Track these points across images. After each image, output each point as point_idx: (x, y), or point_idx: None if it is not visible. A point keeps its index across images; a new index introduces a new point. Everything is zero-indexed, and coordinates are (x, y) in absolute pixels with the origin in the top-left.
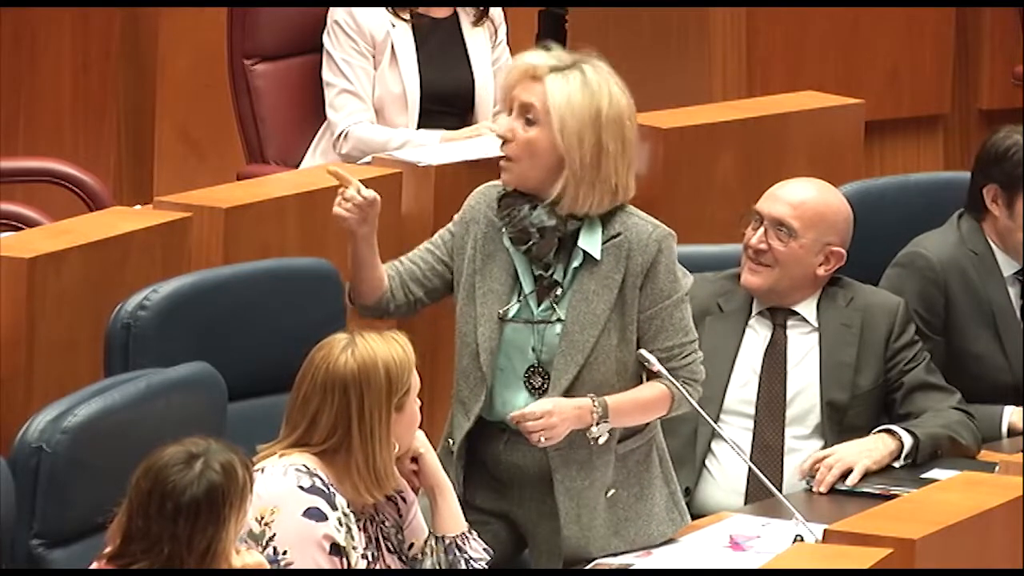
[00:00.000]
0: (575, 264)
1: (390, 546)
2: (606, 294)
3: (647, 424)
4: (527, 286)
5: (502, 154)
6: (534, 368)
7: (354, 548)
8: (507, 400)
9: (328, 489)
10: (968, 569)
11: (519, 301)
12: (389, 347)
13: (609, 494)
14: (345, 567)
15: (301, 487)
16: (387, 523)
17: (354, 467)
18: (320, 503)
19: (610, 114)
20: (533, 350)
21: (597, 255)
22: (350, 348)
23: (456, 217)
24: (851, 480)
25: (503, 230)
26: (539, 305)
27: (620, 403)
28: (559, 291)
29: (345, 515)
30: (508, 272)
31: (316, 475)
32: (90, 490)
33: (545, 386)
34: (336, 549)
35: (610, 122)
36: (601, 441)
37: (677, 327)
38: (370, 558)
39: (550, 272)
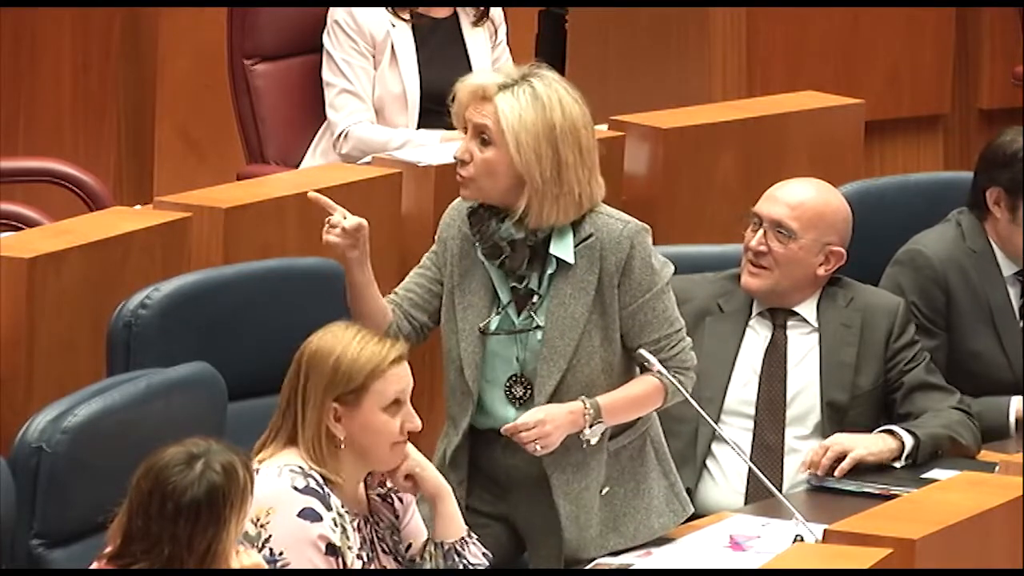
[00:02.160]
0: (549, 271)
1: (385, 547)
2: (583, 296)
3: (638, 419)
4: (504, 297)
5: (459, 174)
6: (515, 378)
7: (349, 548)
8: (497, 410)
9: (322, 489)
10: (968, 569)
11: (499, 313)
12: (356, 346)
13: (604, 491)
14: (341, 567)
15: (295, 487)
16: (382, 524)
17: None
18: (315, 503)
19: (564, 126)
20: (517, 360)
21: (571, 260)
22: (327, 332)
23: (436, 237)
24: (842, 468)
25: (476, 244)
26: (519, 315)
27: (612, 402)
28: (535, 299)
29: (340, 515)
30: (485, 286)
31: (310, 475)
32: (90, 490)
33: (526, 396)
34: (332, 549)
35: (565, 134)
36: (593, 442)
37: (661, 319)
38: (365, 559)
39: (524, 283)
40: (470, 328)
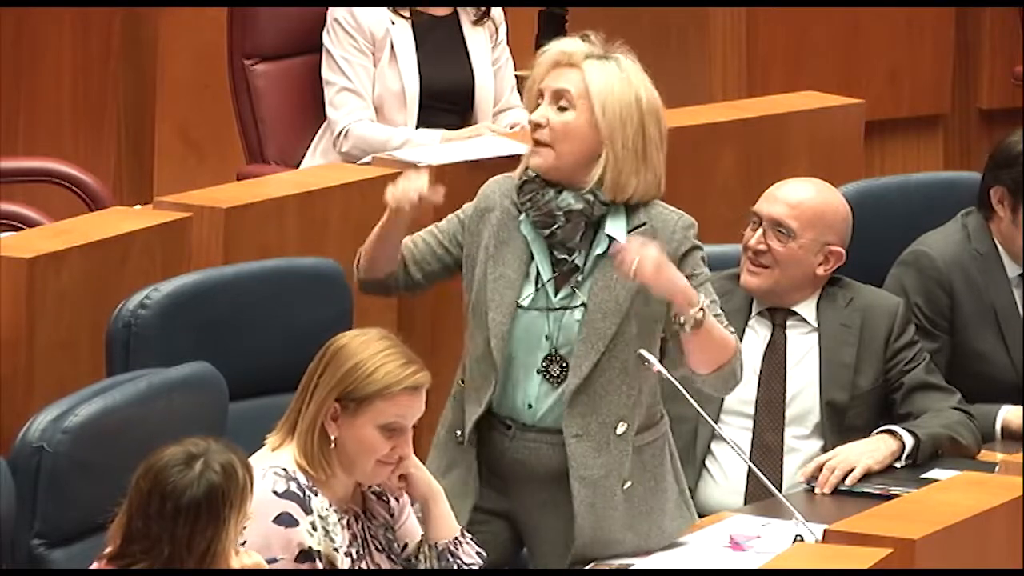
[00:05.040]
0: (598, 251)
1: (378, 544)
2: (628, 282)
3: (661, 417)
4: (545, 273)
5: (535, 139)
6: (551, 357)
7: (335, 549)
8: (519, 390)
9: (303, 493)
10: (968, 569)
11: (537, 289)
12: (378, 360)
13: (626, 486)
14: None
15: (275, 492)
16: (375, 520)
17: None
18: (292, 508)
19: (649, 103)
20: (547, 338)
21: (623, 241)
22: (363, 335)
23: (468, 205)
24: (852, 479)
25: (521, 217)
26: (557, 293)
27: (712, 323)
28: (579, 277)
29: (322, 517)
30: (521, 259)
31: (294, 479)
32: (90, 490)
33: (564, 375)
34: (305, 555)
35: (650, 110)
36: (688, 328)
37: (713, 300)
38: (354, 556)
39: (572, 257)
40: (500, 299)
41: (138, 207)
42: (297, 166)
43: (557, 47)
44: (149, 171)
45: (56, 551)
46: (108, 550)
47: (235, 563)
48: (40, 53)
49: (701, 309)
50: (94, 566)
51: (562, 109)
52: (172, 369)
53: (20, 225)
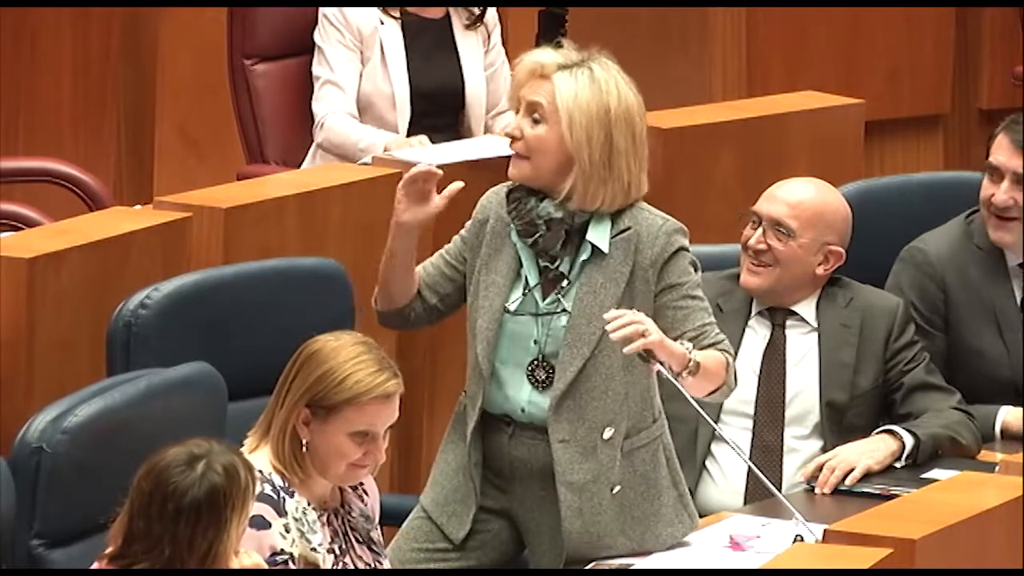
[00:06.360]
0: (583, 257)
1: (359, 537)
2: (613, 287)
3: (654, 421)
4: (532, 279)
5: (510, 152)
6: (537, 362)
7: (313, 549)
8: (509, 394)
9: (278, 495)
10: (968, 569)
11: (524, 295)
12: (349, 367)
13: (615, 491)
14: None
15: None
16: (354, 513)
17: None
18: (266, 511)
19: (619, 111)
20: (535, 343)
21: (605, 248)
22: (336, 340)
23: (468, 223)
24: (852, 479)
25: (510, 224)
26: (544, 298)
27: (707, 364)
28: (565, 283)
29: (297, 519)
30: (511, 266)
31: (268, 481)
32: (90, 490)
33: (549, 380)
34: (277, 558)
35: (619, 119)
36: (687, 375)
37: (701, 308)
38: (337, 552)
39: (556, 264)
40: (489, 305)
41: (138, 207)
42: (297, 166)
43: (531, 58)
44: (149, 171)
45: (56, 551)
46: (109, 550)
47: (235, 564)
48: (40, 53)
49: (691, 360)
50: (94, 566)
51: (536, 121)
52: (172, 369)
53: (20, 225)
